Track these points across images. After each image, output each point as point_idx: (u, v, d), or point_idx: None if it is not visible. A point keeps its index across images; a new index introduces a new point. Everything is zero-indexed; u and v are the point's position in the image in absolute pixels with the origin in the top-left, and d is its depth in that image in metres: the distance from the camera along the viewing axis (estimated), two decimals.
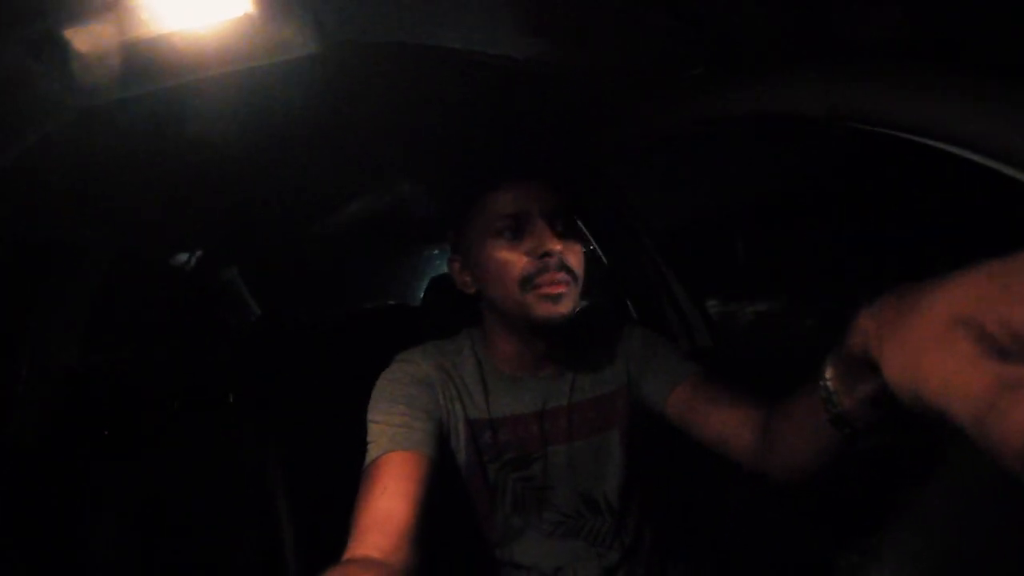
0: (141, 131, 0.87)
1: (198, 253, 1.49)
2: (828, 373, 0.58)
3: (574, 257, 0.89)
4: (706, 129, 1.06)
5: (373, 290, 2.51)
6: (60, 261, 1.20)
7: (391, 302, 2.47)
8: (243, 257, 1.63)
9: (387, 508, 0.75)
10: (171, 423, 1.55)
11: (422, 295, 1.39)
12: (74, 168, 0.92)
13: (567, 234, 0.90)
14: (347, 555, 0.71)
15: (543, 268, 0.86)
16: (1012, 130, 0.62)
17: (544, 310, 0.87)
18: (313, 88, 0.83)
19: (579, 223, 0.95)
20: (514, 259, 0.88)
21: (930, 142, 0.69)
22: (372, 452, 0.84)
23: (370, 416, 0.89)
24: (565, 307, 0.87)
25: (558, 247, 0.86)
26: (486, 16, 0.73)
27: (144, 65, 0.71)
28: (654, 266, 1.49)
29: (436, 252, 3.01)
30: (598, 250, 1.54)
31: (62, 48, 0.65)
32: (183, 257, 1.48)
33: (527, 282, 0.87)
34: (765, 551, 1.11)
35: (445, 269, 1.06)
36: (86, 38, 0.65)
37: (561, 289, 0.86)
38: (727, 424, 0.87)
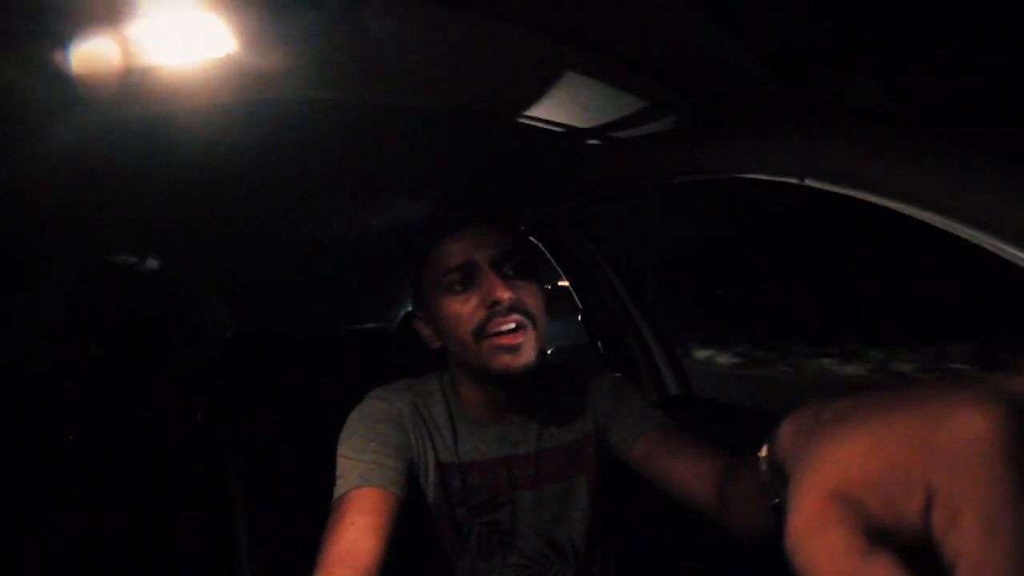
0: (126, 147, 0.88)
1: (173, 266, 1.50)
2: (763, 465, 0.56)
3: (529, 299, 0.88)
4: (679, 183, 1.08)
5: (359, 310, 2.51)
6: (31, 265, 1.20)
7: (370, 325, 2.48)
8: (221, 272, 1.63)
9: (354, 543, 0.75)
10: (136, 437, 1.53)
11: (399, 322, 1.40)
12: (55, 175, 0.93)
13: (519, 276, 0.89)
14: None
15: (493, 316, 0.85)
16: (982, 198, 0.65)
17: (501, 362, 0.85)
18: (287, 123, 0.84)
19: (535, 261, 0.93)
20: (466, 311, 0.87)
21: (904, 209, 0.71)
22: (341, 487, 0.83)
23: (340, 450, 0.88)
24: (524, 356, 0.86)
25: (506, 294, 0.84)
26: (463, 70, 0.75)
27: (132, 90, 0.73)
28: (624, 310, 1.51)
29: None
30: (571, 290, 1.56)
31: (58, 64, 0.66)
32: (155, 265, 1.48)
33: (480, 333, 0.86)
34: None
35: None
36: (79, 59, 0.67)
37: (517, 339, 0.85)
38: (688, 478, 0.87)
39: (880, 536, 0.26)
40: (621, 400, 1.02)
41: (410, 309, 1.39)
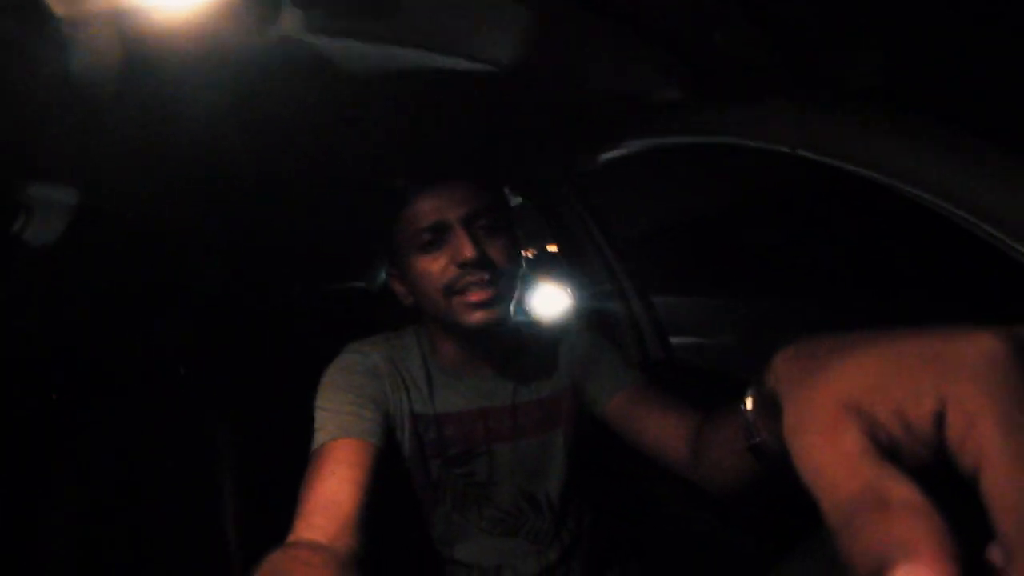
0: (119, 94, 0.86)
1: (159, 224, 1.47)
2: (748, 403, 0.58)
3: (501, 255, 0.89)
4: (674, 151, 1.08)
5: (344, 269, 2.48)
6: (11, 218, 1.17)
7: (358, 284, 2.46)
8: (206, 229, 1.61)
9: (333, 493, 0.76)
10: (119, 391, 1.52)
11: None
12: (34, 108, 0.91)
13: (492, 232, 0.90)
14: (292, 537, 0.71)
15: (462, 275, 0.87)
16: (970, 177, 0.65)
17: (471, 318, 0.87)
18: (282, 71, 0.82)
19: (509, 217, 0.94)
20: (436, 269, 0.88)
21: (891, 183, 0.72)
22: (319, 438, 0.85)
23: (318, 403, 0.90)
24: (493, 311, 0.88)
25: (474, 253, 0.85)
26: (468, 19, 0.74)
27: (124, 34, 0.70)
28: (611, 274, 1.52)
29: None
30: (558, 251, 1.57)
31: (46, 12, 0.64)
32: (140, 224, 1.45)
33: (449, 290, 0.87)
34: (700, 552, 1.15)
35: None
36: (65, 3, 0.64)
37: (486, 295, 0.87)
38: (661, 435, 0.90)
39: (889, 451, 0.25)
40: (598, 357, 1.04)
41: None
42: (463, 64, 0.82)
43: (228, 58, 0.76)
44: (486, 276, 0.87)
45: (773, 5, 0.67)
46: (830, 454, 0.26)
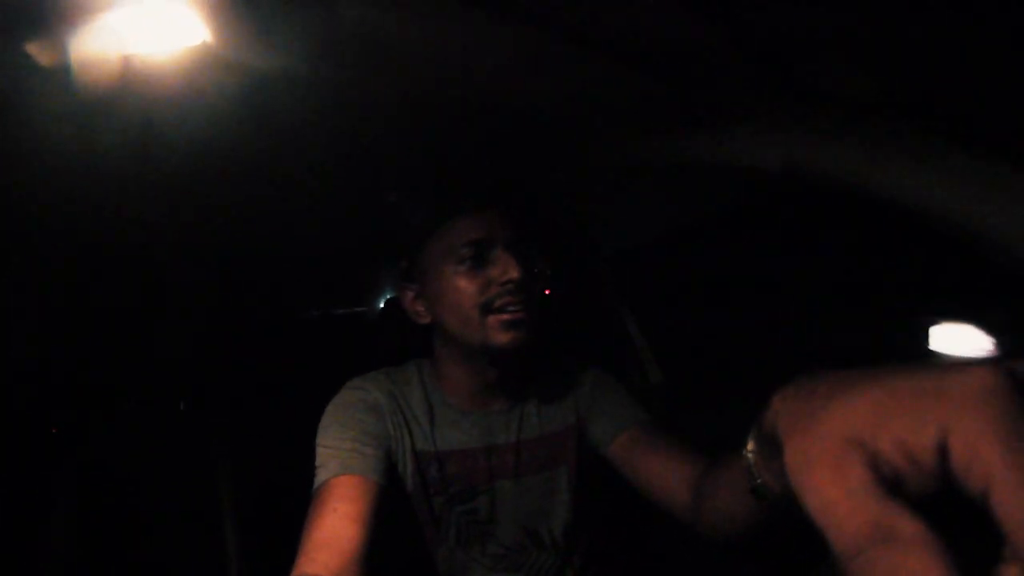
0: (117, 134, 0.87)
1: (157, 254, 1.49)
2: (749, 445, 0.58)
3: (534, 286, 0.90)
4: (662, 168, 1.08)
5: (341, 296, 2.48)
6: (13, 252, 1.18)
7: (358, 309, 2.46)
8: (204, 260, 1.62)
9: (336, 529, 0.76)
10: (120, 424, 1.53)
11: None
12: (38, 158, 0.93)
13: (528, 263, 0.91)
14: (295, 573, 0.71)
15: (505, 294, 0.87)
16: (963, 189, 0.66)
17: (503, 336, 0.88)
18: (277, 106, 0.84)
19: (538, 249, 0.96)
20: (475, 287, 0.88)
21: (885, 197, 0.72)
22: (321, 475, 0.85)
23: (319, 440, 0.90)
24: (524, 333, 0.88)
25: (521, 274, 0.87)
26: (454, 49, 0.75)
27: (112, 80, 0.72)
28: (608, 298, 1.52)
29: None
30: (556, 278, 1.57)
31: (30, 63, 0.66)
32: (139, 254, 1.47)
33: (487, 308, 0.88)
34: None
35: None
36: (57, 47, 0.66)
37: (522, 315, 0.88)
38: (663, 478, 0.89)
39: (893, 483, 0.26)
40: (603, 394, 1.03)
41: (389, 296, 1.39)
42: (452, 92, 0.84)
43: (204, 98, 0.77)
44: (525, 299, 0.88)
45: (750, 18, 0.67)
46: (835, 489, 0.26)
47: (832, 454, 0.27)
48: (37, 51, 0.66)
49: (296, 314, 2.20)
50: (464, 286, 0.89)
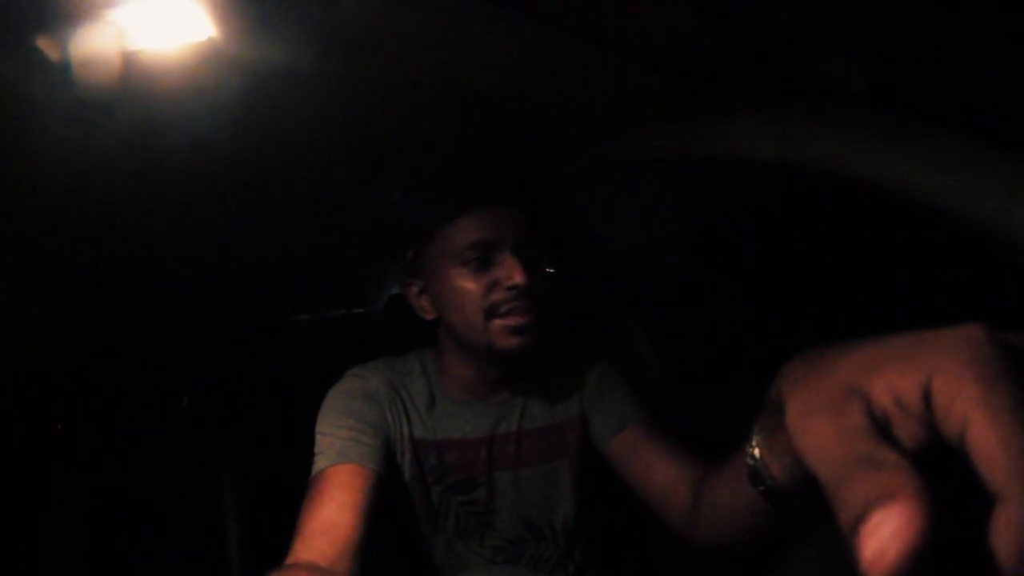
0: (121, 131, 0.88)
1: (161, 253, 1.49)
2: (754, 440, 0.56)
3: (542, 285, 0.89)
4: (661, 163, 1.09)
5: (343, 295, 2.49)
6: (16, 248, 1.19)
7: (358, 310, 2.47)
8: (208, 258, 1.63)
9: (333, 517, 0.76)
10: (123, 422, 1.53)
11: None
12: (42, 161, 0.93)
13: (534, 264, 0.89)
14: (291, 559, 0.72)
15: (509, 300, 0.86)
16: (957, 179, 0.66)
17: (507, 342, 0.87)
18: (284, 102, 0.84)
19: (545, 251, 0.95)
20: (479, 289, 0.87)
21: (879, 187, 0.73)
22: (319, 463, 0.85)
23: (318, 428, 0.90)
24: (528, 339, 0.87)
25: (525, 279, 0.85)
26: (457, 45, 0.75)
27: (116, 76, 0.72)
28: (610, 293, 1.52)
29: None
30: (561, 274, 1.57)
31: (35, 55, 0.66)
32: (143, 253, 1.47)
33: (492, 312, 0.87)
34: None
35: None
36: (62, 44, 0.66)
37: (526, 320, 0.86)
38: (662, 482, 0.88)
39: (883, 426, 0.27)
40: (606, 389, 1.02)
41: (393, 293, 1.40)
42: (450, 86, 0.84)
43: (210, 94, 0.77)
44: (530, 303, 0.87)
45: (745, 12, 0.67)
46: (833, 430, 0.27)
47: (832, 401, 0.28)
48: (43, 46, 0.66)
49: (298, 315, 2.20)
50: (468, 288, 0.88)
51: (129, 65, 0.69)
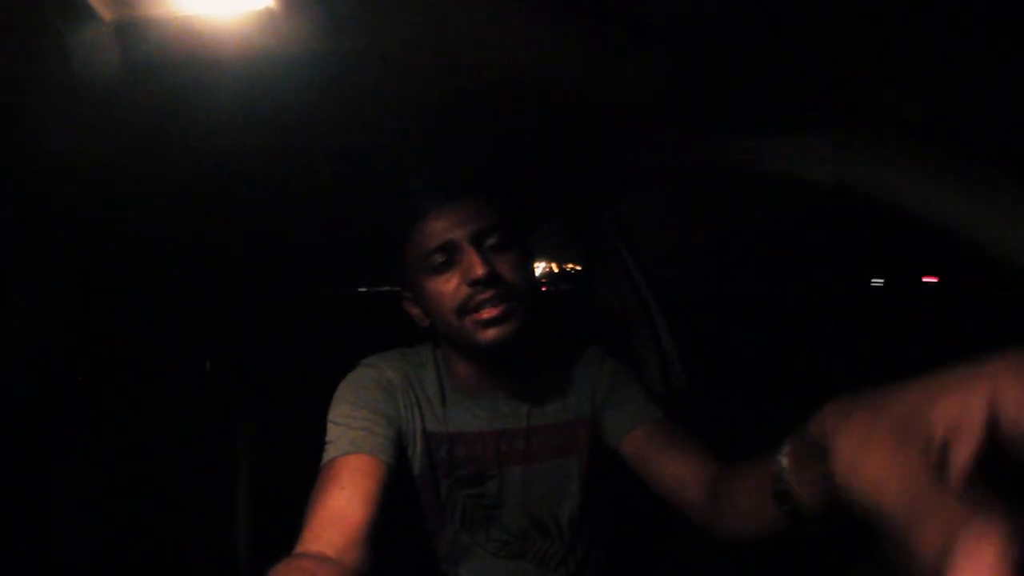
0: (152, 108, 0.88)
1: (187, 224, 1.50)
2: (785, 450, 0.58)
3: (511, 271, 0.88)
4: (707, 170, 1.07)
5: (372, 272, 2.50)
6: (51, 216, 1.20)
7: (385, 288, 2.48)
8: (236, 231, 1.63)
9: (343, 507, 0.76)
10: (145, 383, 1.55)
11: None
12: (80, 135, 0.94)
13: (501, 249, 0.89)
14: (300, 548, 0.71)
15: (475, 294, 0.86)
16: (1007, 213, 0.64)
17: (484, 335, 0.87)
18: (323, 82, 0.84)
19: (520, 232, 0.93)
20: (448, 290, 0.87)
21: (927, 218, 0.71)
22: (330, 452, 0.85)
23: (331, 416, 0.90)
24: (507, 328, 0.87)
25: (485, 270, 0.84)
26: (500, 23, 0.74)
27: (164, 41, 0.72)
28: (638, 296, 1.50)
29: None
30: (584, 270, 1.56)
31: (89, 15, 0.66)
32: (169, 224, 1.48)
33: (463, 310, 0.87)
34: None
35: None
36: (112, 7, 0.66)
37: (498, 312, 0.86)
38: (678, 476, 0.88)
39: (941, 458, 0.29)
40: (619, 388, 1.02)
41: None
42: (473, 73, 0.83)
43: (260, 64, 0.77)
44: (497, 293, 0.86)
45: (811, 37, 0.67)
46: (895, 463, 0.29)
47: (891, 436, 0.30)
48: (100, 5, 0.65)
49: (328, 290, 2.22)
50: (438, 292, 0.88)
51: (183, 29, 0.69)
